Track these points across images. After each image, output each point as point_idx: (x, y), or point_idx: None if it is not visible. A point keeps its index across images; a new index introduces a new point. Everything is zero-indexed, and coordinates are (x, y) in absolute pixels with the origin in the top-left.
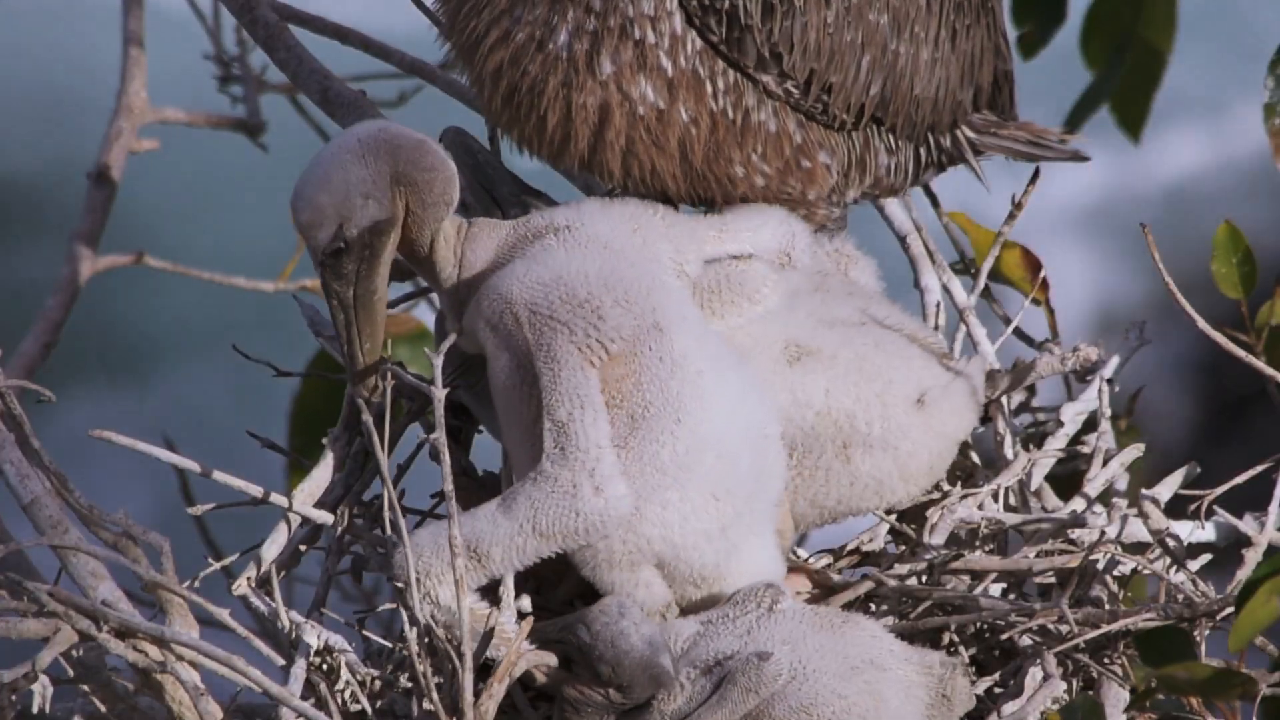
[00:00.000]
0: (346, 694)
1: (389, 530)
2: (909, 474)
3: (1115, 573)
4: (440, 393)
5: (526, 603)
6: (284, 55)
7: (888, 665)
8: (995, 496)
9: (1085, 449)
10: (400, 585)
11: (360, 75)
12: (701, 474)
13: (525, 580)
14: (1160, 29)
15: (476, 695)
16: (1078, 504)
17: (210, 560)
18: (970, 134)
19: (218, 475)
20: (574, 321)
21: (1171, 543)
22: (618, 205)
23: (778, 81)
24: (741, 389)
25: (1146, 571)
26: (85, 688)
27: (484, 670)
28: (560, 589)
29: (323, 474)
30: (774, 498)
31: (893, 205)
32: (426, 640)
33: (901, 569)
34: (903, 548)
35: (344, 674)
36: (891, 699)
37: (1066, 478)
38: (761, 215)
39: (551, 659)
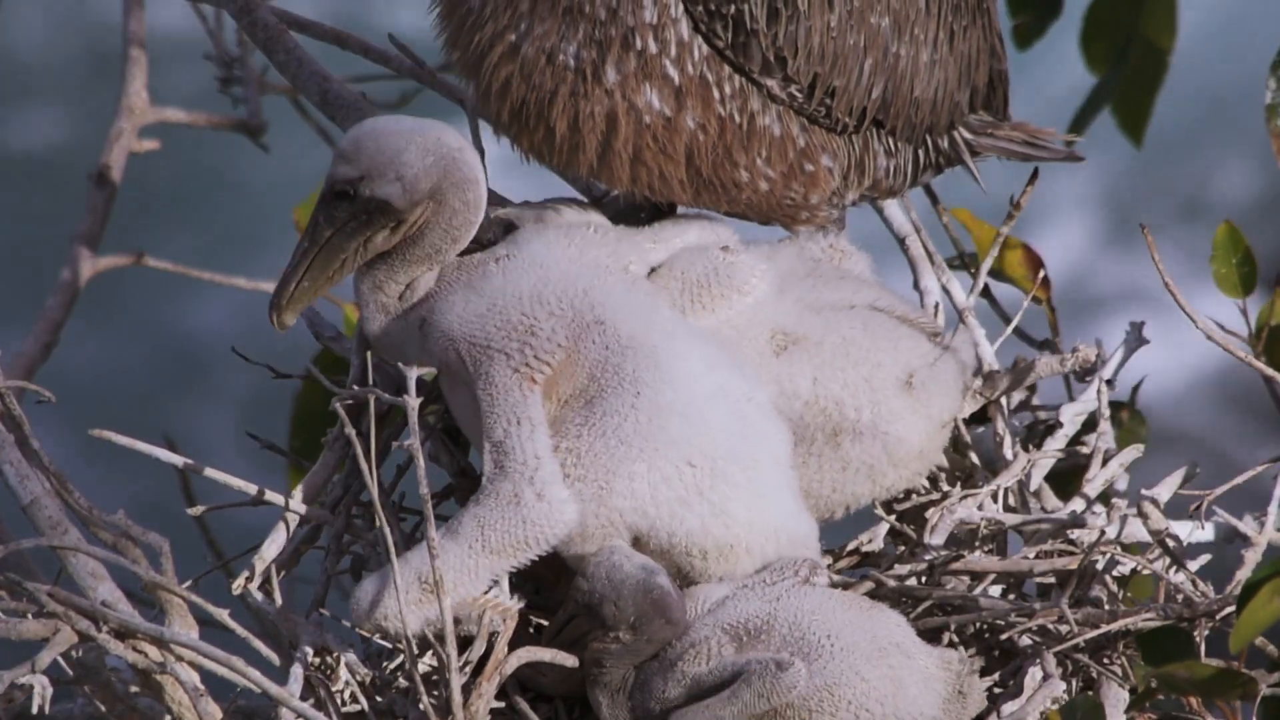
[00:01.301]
0: (346, 694)
1: (382, 532)
2: (899, 459)
3: (1115, 573)
4: (414, 402)
5: (518, 601)
6: (283, 57)
7: (912, 654)
8: (995, 497)
9: (1085, 449)
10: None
11: (361, 77)
12: (667, 441)
13: (524, 580)
14: (1161, 29)
15: (466, 695)
16: (1077, 504)
17: (210, 560)
18: (967, 135)
19: (218, 475)
20: (509, 346)
21: (1171, 543)
22: (552, 226)
23: (782, 86)
24: (707, 358)
25: (1146, 571)
26: (85, 688)
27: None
28: (559, 589)
29: (322, 474)
30: (777, 459)
31: (892, 207)
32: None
33: (901, 569)
34: (902, 548)
35: (343, 674)
36: (911, 687)
37: (1067, 475)
38: (685, 223)
39: (546, 655)
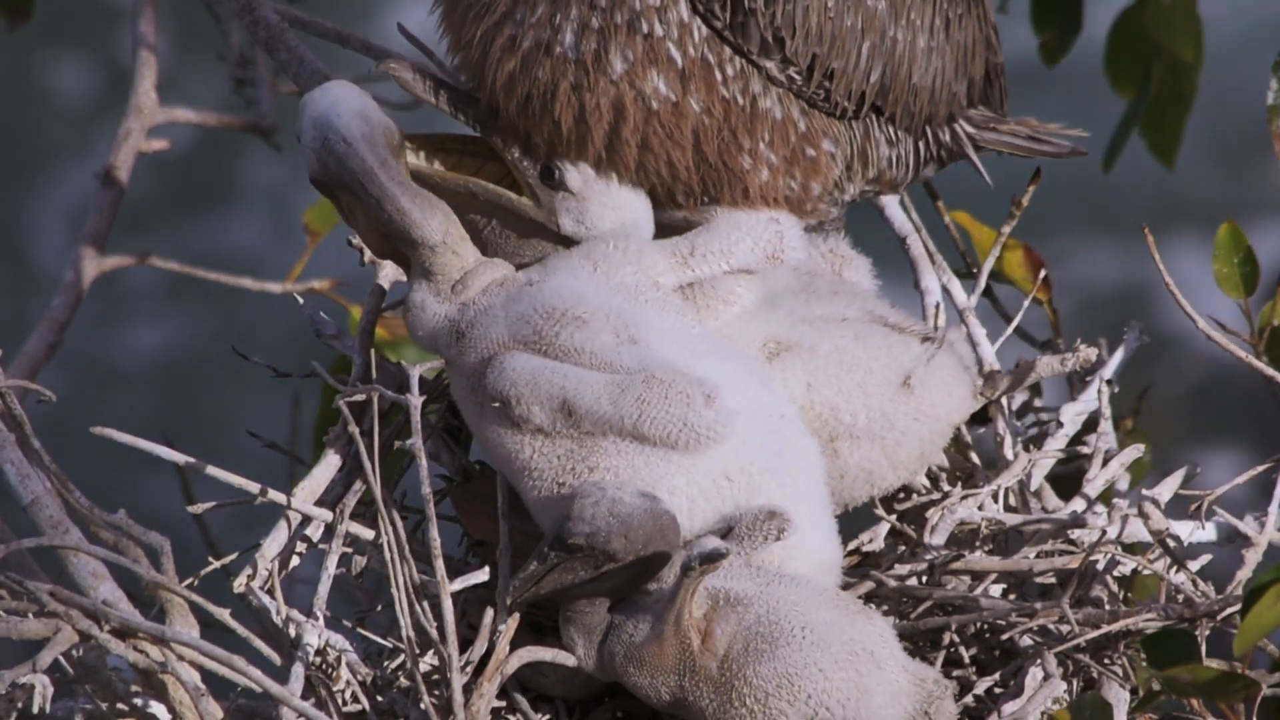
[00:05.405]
0: (346, 694)
1: (384, 535)
2: (899, 462)
3: (1116, 573)
4: (417, 400)
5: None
6: (285, 56)
7: (884, 664)
8: (995, 497)
9: (1086, 449)
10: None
11: (363, 77)
12: (706, 456)
13: None
14: (1187, 46)
15: (468, 695)
16: (1078, 504)
17: (210, 560)
18: (969, 129)
19: (218, 473)
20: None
21: (1172, 543)
22: (575, 253)
23: (781, 67)
24: (741, 374)
25: (1147, 572)
26: (86, 687)
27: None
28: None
29: (323, 472)
30: (813, 478)
31: (893, 206)
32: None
33: (902, 569)
34: (903, 548)
35: (344, 674)
36: (876, 696)
37: (1068, 477)
38: (738, 228)
39: (545, 654)
